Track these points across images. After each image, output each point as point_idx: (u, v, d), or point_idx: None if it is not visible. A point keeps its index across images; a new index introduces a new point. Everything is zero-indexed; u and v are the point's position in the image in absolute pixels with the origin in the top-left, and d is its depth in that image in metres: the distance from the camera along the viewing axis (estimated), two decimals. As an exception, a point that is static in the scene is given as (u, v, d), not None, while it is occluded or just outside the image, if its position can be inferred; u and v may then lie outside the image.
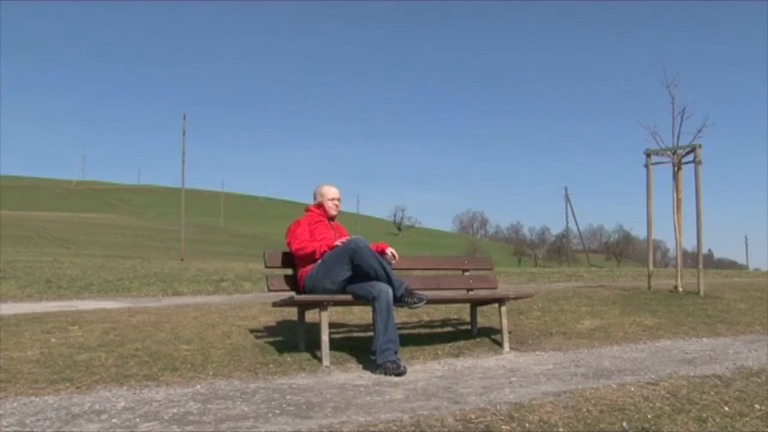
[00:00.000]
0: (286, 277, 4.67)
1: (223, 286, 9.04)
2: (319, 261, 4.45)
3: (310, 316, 4.66)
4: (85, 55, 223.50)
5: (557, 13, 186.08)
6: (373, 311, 4.26)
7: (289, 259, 4.69)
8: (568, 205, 63.95)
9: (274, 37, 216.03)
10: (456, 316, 6.04)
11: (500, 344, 4.99)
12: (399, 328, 5.39)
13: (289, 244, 4.62)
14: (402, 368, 4.01)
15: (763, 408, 3.20)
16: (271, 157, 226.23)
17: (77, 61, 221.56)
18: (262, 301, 6.30)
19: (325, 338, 4.25)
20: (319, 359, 4.27)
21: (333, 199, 4.84)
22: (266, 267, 4.75)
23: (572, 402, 3.18)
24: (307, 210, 4.87)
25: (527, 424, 2.84)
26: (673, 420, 2.96)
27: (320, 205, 4.84)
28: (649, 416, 3.01)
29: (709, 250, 78.48)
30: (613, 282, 10.89)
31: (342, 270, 4.34)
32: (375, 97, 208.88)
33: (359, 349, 4.63)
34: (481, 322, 5.59)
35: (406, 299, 4.30)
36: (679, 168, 7.97)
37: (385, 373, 3.99)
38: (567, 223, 79.02)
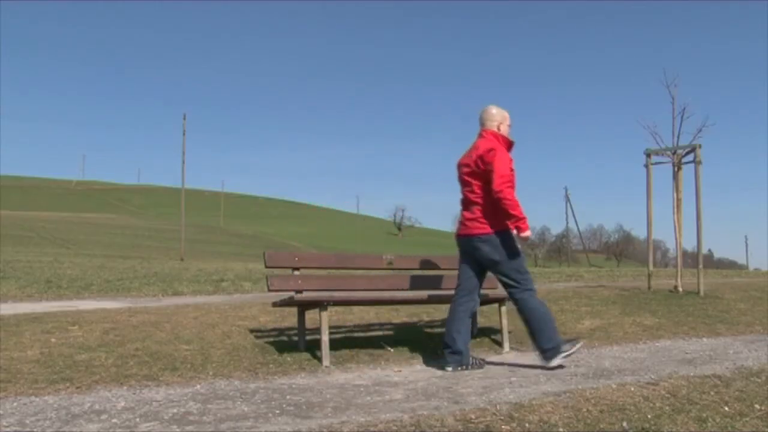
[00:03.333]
0: (287, 277, 4.67)
1: (223, 286, 9.03)
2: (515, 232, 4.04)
3: (310, 316, 4.66)
4: (85, 55, 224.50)
5: (557, 13, 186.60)
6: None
7: (290, 259, 4.68)
8: (568, 205, 64.05)
9: (274, 37, 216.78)
10: (456, 316, 6.03)
11: (500, 344, 4.99)
12: (399, 329, 5.41)
13: (492, 171, 3.95)
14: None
15: (763, 408, 3.20)
16: (271, 157, 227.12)
17: (77, 61, 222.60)
18: (262, 301, 6.29)
19: (325, 338, 4.25)
20: (319, 359, 4.27)
21: (510, 126, 4.15)
22: (266, 267, 4.74)
23: (572, 402, 3.18)
24: (495, 136, 4.09)
25: (527, 424, 2.84)
26: (673, 420, 2.96)
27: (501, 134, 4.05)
28: (649, 416, 3.00)
29: (709, 250, 78.51)
30: (613, 282, 10.89)
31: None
32: (375, 97, 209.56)
33: (359, 349, 4.63)
34: (481, 322, 5.59)
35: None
36: (679, 168, 7.97)
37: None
38: (567, 223, 79.51)
